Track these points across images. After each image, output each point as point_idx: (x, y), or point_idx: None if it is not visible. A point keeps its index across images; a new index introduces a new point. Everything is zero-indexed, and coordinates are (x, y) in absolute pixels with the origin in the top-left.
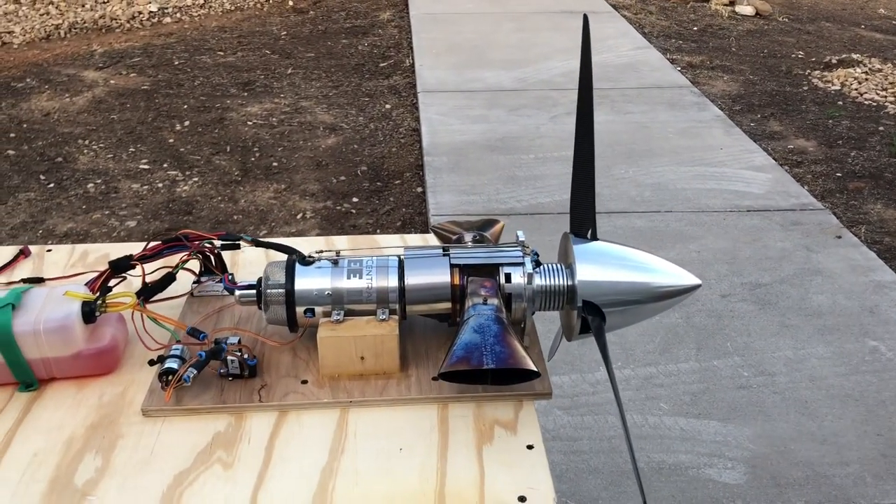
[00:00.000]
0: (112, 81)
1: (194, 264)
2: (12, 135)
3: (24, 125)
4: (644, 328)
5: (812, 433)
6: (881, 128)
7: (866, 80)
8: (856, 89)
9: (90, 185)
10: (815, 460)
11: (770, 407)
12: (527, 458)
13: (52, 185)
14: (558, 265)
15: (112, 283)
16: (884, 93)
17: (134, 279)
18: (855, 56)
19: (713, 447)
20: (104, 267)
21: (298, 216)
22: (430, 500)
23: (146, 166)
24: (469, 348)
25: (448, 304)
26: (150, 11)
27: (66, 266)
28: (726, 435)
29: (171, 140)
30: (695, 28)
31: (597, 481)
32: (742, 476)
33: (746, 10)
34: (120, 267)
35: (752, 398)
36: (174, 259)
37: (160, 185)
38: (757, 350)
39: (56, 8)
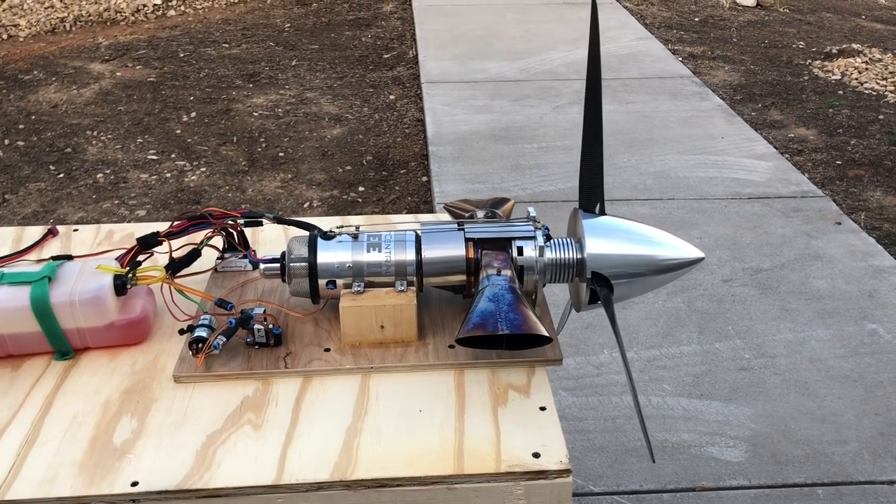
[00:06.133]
0: (118, 73)
1: (218, 241)
2: (21, 126)
3: (33, 117)
4: (647, 312)
5: (812, 413)
6: (881, 116)
7: (867, 69)
8: (856, 79)
9: (99, 175)
10: (815, 439)
11: (771, 388)
12: (540, 418)
13: (61, 175)
14: (568, 239)
15: (140, 258)
16: (884, 82)
17: (160, 256)
18: (855, 46)
19: (715, 426)
20: (128, 245)
21: (305, 205)
22: (450, 457)
23: (154, 157)
24: (484, 315)
25: (463, 277)
26: (155, 4)
27: (93, 244)
28: (728, 415)
29: (178, 131)
30: (696, 19)
31: (601, 459)
32: (743, 454)
33: (747, 0)
34: (148, 243)
35: (752, 379)
36: (199, 236)
37: (168, 175)
38: (758, 333)
39: (61, 1)
